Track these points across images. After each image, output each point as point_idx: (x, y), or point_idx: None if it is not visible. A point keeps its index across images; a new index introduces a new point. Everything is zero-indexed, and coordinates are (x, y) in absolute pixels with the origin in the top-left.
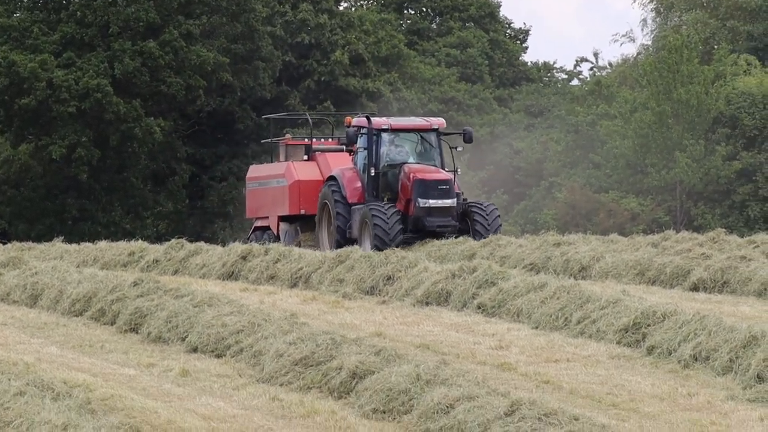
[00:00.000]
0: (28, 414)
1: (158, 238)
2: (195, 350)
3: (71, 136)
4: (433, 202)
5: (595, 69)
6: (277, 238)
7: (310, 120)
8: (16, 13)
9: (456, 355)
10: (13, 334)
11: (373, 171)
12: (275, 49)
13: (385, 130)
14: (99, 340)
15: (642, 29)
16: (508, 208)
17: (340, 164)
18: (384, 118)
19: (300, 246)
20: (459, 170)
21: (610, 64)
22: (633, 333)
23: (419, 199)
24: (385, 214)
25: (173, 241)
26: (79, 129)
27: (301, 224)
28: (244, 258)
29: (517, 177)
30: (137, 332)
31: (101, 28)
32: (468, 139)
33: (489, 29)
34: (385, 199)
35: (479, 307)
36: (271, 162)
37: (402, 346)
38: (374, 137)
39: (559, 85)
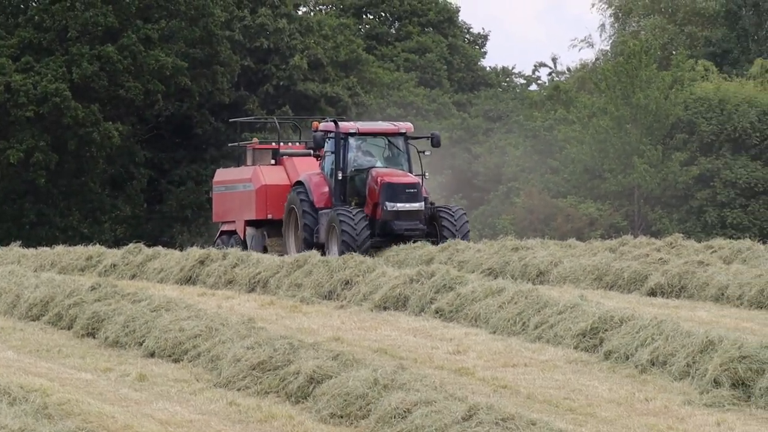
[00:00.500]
0: None
1: (116, 243)
2: (152, 355)
3: (29, 141)
4: (400, 206)
5: (553, 74)
6: (243, 243)
7: (277, 124)
8: None
9: (414, 360)
10: None
11: (340, 175)
12: (234, 54)
13: (352, 135)
14: (56, 344)
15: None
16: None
17: (308, 169)
18: (351, 123)
19: (267, 251)
20: (427, 174)
21: (569, 70)
22: (590, 338)
23: (387, 203)
24: (353, 218)
25: (131, 245)
26: (36, 133)
27: (268, 229)
28: (201, 262)
29: (476, 182)
30: (94, 337)
31: (59, 33)
32: (436, 143)
33: (448, 34)
34: (353, 203)
35: (437, 312)
36: (237, 166)
37: (360, 350)
38: (341, 141)
39: (518, 90)
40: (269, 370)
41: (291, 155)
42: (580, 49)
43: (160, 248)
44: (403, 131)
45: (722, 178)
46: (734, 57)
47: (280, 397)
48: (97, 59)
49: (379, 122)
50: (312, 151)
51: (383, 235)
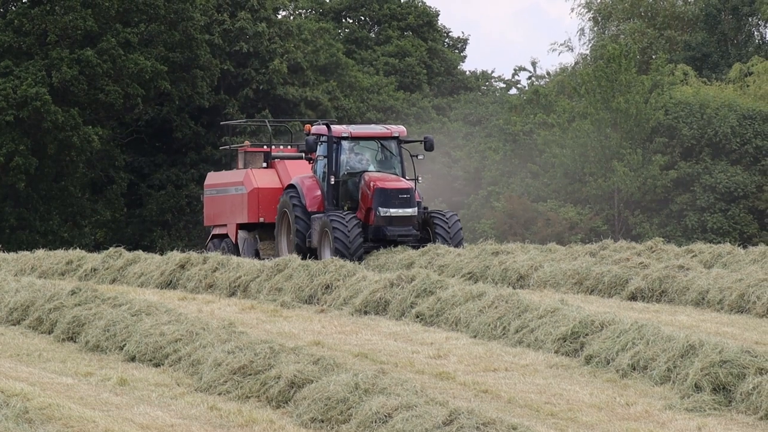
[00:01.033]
0: None
1: (96, 247)
2: (133, 359)
3: (9, 145)
4: (393, 211)
5: (533, 78)
6: (235, 247)
7: (269, 127)
8: None
9: (394, 364)
10: None
11: (333, 179)
12: (213, 58)
13: (345, 138)
14: (36, 349)
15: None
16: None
17: (300, 172)
18: (344, 126)
19: (259, 255)
20: (420, 179)
21: (548, 74)
22: (571, 342)
23: (380, 208)
24: (346, 224)
25: (111, 249)
26: (16, 137)
27: (260, 232)
28: (182, 267)
29: (455, 186)
30: (75, 341)
31: (39, 37)
32: (429, 147)
33: (427, 38)
34: (346, 207)
35: (418, 316)
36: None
37: (340, 355)
38: (334, 145)
39: (498, 94)
40: (250, 375)
41: (283, 158)
42: (559, 53)
43: (140, 252)
44: (396, 135)
45: (702, 182)
46: (714, 61)
47: (261, 401)
48: (76, 63)
49: (372, 125)
50: (304, 155)
51: (376, 240)
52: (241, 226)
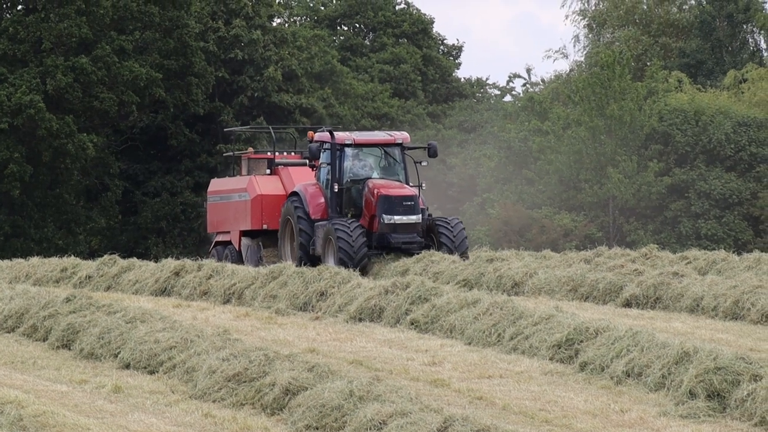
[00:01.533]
0: None
1: (91, 254)
2: (127, 366)
3: (3, 152)
4: (398, 219)
5: (528, 85)
6: (238, 254)
7: (273, 134)
8: None
9: (389, 372)
10: None
11: (336, 187)
12: (208, 65)
13: (348, 145)
14: (31, 356)
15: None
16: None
17: (303, 179)
18: (347, 133)
19: (262, 262)
20: (424, 185)
21: (543, 81)
22: (566, 349)
23: (384, 216)
24: (350, 231)
25: (106, 257)
26: (11, 145)
27: (264, 239)
28: (176, 274)
29: (450, 193)
30: (69, 348)
31: (34, 44)
32: (432, 153)
33: (422, 45)
34: (349, 215)
35: (412, 323)
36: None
37: (335, 362)
38: (337, 152)
39: (492, 101)
40: (245, 382)
41: (286, 165)
42: (554, 60)
43: (134, 260)
44: (400, 141)
45: (697, 189)
46: (708, 68)
47: (256, 408)
48: (71, 71)
49: (376, 132)
50: (307, 161)
51: (380, 247)
52: (244, 233)
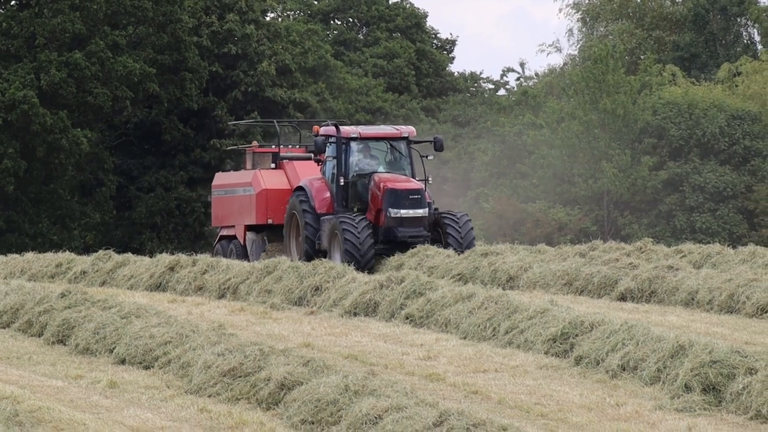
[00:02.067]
0: None
1: (86, 250)
2: (123, 362)
3: None
4: (404, 212)
5: (521, 79)
6: (243, 248)
7: (278, 128)
8: None
9: (384, 366)
10: None
11: (342, 181)
12: (202, 60)
13: (354, 139)
14: (26, 351)
15: (568, 39)
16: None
17: (309, 173)
18: (353, 127)
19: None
20: (430, 179)
21: (537, 74)
22: (561, 343)
23: (390, 210)
24: (356, 225)
25: (100, 252)
26: (5, 140)
27: (269, 234)
28: (171, 269)
29: (445, 187)
30: (65, 344)
31: (27, 40)
32: (439, 147)
33: (416, 39)
34: (355, 209)
35: (407, 318)
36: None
37: (330, 356)
38: (343, 146)
39: (486, 96)
40: (240, 377)
41: (291, 159)
42: (548, 54)
43: (129, 255)
44: (406, 135)
45: (691, 182)
46: (702, 61)
47: (251, 403)
48: (65, 66)
49: (381, 126)
50: (313, 156)
51: (386, 242)
52: (249, 228)
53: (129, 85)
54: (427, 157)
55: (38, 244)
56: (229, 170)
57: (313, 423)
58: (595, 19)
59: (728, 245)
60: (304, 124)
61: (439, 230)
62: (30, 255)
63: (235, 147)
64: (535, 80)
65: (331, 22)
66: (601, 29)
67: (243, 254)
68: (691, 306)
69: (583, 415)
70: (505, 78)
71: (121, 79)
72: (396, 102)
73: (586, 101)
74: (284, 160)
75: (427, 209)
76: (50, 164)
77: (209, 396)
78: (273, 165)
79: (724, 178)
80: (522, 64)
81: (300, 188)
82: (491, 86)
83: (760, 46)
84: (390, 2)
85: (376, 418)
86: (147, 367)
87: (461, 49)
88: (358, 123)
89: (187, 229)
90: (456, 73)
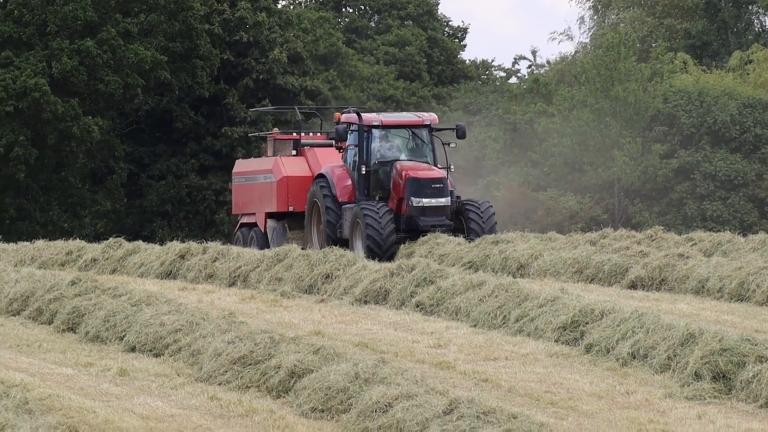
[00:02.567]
0: None
1: (96, 237)
2: (133, 349)
3: (8, 136)
4: (426, 201)
5: (533, 67)
6: (264, 236)
7: (299, 114)
8: None
9: (394, 354)
10: None
11: (363, 169)
12: (213, 48)
13: (375, 127)
14: (36, 339)
15: (580, 27)
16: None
17: (330, 160)
18: (374, 114)
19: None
20: (452, 167)
21: (548, 62)
22: (571, 331)
23: (412, 198)
24: (378, 214)
25: (111, 240)
26: (16, 128)
27: (290, 221)
28: (182, 257)
29: (455, 175)
30: (75, 332)
31: (39, 27)
32: (461, 134)
33: (427, 27)
34: (377, 197)
35: (418, 306)
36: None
37: (340, 344)
38: (365, 134)
39: (498, 83)
40: (250, 365)
41: (312, 146)
42: (559, 42)
43: (140, 243)
44: (428, 123)
45: (702, 170)
46: (714, 49)
47: (261, 391)
48: (76, 54)
49: (403, 113)
50: (334, 143)
51: (408, 230)
52: (270, 215)
53: (140, 73)
54: (449, 144)
55: (49, 232)
56: (239, 158)
57: (323, 411)
58: (606, 6)
59: (739, 233)
60: (324, 111)
61: (461, 218)
62: (40, 242)
63: (256, 134)
64: (547, 68)
65: (343, 9)
66: (613, 17)
67: (264, 242)
68: (702, 294)
69: (593, 403)
70: (516, 66)
71: (132, 67)
72: (407, 90)
73: (598, 89)
74: (305, 147)
75: (449, 198)
76: (61, 152)
77: (219, 384)
78: (294, 152)
79: (735, 166)
80: (533, 52)
81: (321, 176)
82: (503, 74)
83: None
84: None
85: (386, 406)
86: (157, 355)
87: (473, 36)
88: (371, 110)
89: (198, 216)
90: (467, 61)
